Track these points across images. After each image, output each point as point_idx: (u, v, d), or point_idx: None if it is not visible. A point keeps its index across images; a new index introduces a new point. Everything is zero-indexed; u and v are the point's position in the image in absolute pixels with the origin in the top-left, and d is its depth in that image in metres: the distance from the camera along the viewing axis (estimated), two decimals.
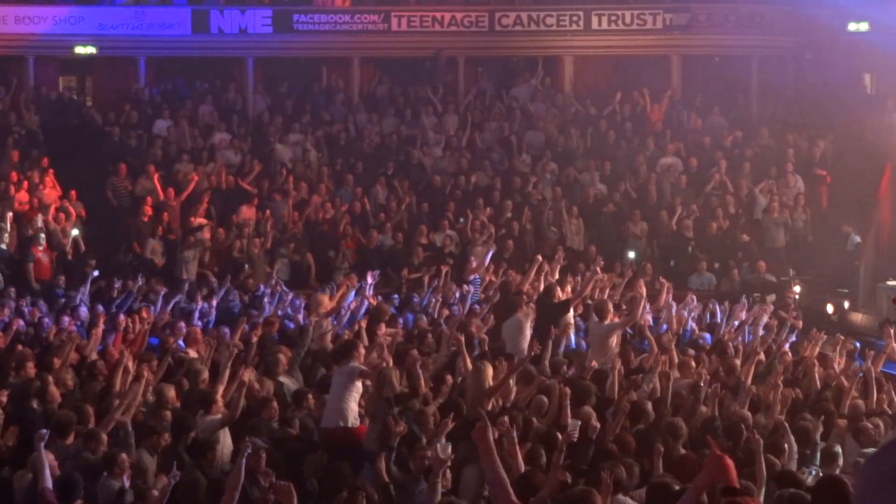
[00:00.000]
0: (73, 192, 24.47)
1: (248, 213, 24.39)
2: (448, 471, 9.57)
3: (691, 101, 29.51)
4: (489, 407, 11.94)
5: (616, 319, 15.95)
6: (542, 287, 17.72)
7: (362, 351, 13.23)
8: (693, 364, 14.43)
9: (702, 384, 13.04)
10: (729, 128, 28.50)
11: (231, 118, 28.51)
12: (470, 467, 10.60)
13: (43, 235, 22.24)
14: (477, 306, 18.11)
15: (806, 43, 27.24)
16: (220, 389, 12.29)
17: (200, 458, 10.70)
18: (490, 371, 12.71)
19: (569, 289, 18.63)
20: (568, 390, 12.01)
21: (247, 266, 22.33)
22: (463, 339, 14.16)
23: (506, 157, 27.61)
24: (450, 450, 9.05)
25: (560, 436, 10.15)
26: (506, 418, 10.62)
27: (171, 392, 12.30)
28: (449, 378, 13.40)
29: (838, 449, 11.46)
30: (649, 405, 12.23)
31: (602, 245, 23.75)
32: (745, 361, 14.52)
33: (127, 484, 9.80)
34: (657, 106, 28.90)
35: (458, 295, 19.46)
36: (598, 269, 18.85)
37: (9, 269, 21.66)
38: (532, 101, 29.64)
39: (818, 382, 14.45)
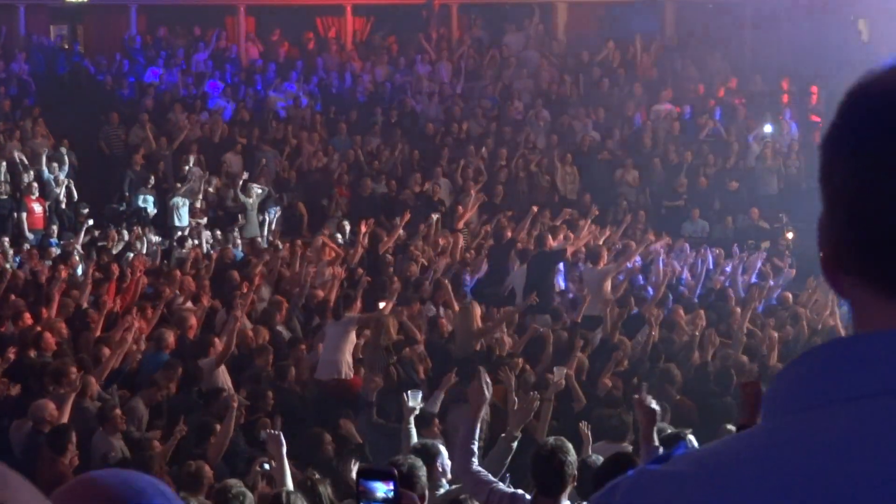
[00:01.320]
0: (65, 141, 24.41)
1: (235, 161, 24.36)
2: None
3: (685, 48, 29.44)
4: (477, 347, 12.05)
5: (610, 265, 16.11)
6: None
7: (359, 304, 13.33)
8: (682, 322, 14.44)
9: (697, 333, 13.16)
10: (722, 74, 28.48)
11: (223, 66, 28.43)
12: (455, 407, 10.72)
13: (36, 184, 22.21)
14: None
15: None
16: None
17: (210, 405, 10.74)
18: (478, 311, 12.82)
19: (561, 236, 18.70)
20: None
21: (240, 216, 22.30)
22: (450, 284, 14.26)
23: (499, 104, 27.58)
24: (420, 397, 9.14)
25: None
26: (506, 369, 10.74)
27: (170, 337, 12.40)
28: (444, 323, 13.49)
29: None
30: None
31: (595, 193, 23.77)
32: (742, 309, 14.64)
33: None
34: (647, 55, 28.83)
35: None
36: (590, 223, 19.01)
37: (1, 219, 21.67)
38: (525, 49, 29.57)
39: (807, 328, 14.57)
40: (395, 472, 2.64)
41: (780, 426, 1.45)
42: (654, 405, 6.81)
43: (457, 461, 7.10)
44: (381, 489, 2.53)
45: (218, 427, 9.65)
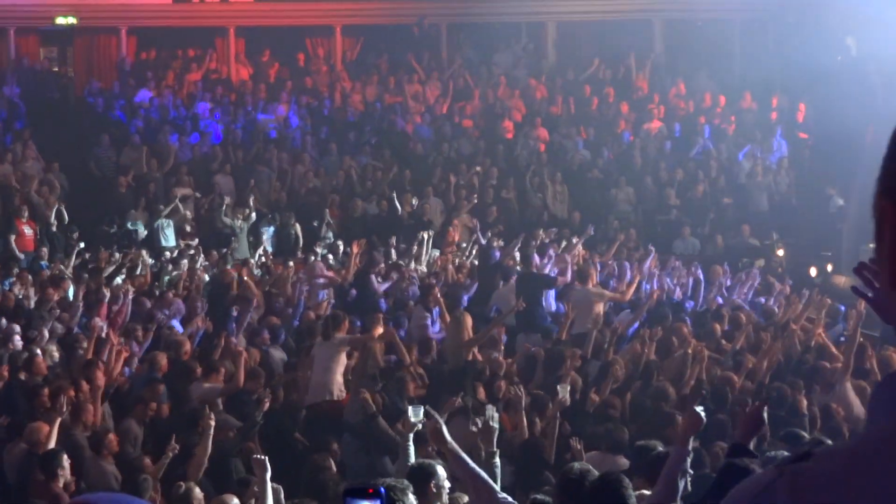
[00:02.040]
0: (56, 164, 24.39)
1: (226, 182, 24.33)
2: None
3: (674, 66, 29.51)
4: (469, 357, 12.03)
5: (597, 285, 16.18)
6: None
7: (347, 324, 13.28)
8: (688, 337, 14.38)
9: (689, 351, 13.14)
10: (712, 93, 28.55)
11: (214, 88, 28.44)
12: (454, 420, 10.67)
13: (26, 207, 22.18)
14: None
15: (787, 6, 27.21)
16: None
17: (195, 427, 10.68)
18: (469, 321, 12.80)
19: (547, 256, 18.73)
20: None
21: (232, 238, 22.23)
22: (440, 296, 14.28)
23: (490, 124, 27.61)
24: (421, 413, 9.09)
25: (551, 403, 10.28)
26: (502, 383, 10.75)
27: (163, 360, 12.36)
28: (435, 343, 13.46)
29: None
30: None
31: (586, 211, 23.78)
32: (736, 328, 14.66)
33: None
34: (641, 74, 28.93)
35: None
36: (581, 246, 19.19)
37: None
38: (515, 68, 29.64)
39: (799, 345, 14.56)
40: (383, 489, 2.61)
41: None
42: (703, 414, 6.66)
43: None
44: None
45: (197, 448, 9.64)
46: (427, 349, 13.25)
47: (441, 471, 7.59)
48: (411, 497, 6.36)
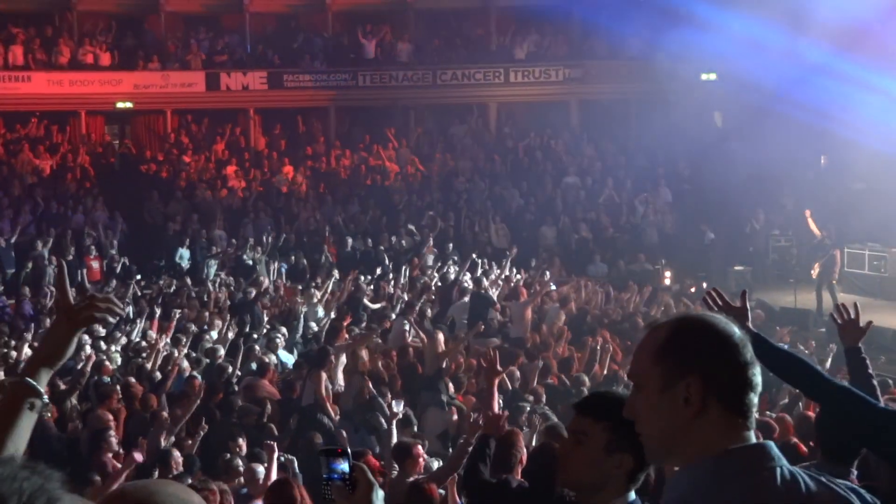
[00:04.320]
0: (117, 213, 24.30)
1: (249, 227, 24.33)
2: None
3: (587, 135, 29.71)
4: (443, 365, 11.99)
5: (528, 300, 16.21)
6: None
7: (344, 335, 13.22)
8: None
9: (598, 348, 13.10)
10: (615, 154, 28.74)
11: (239, 154, 28.40)
12: (431, 410, 10.63)
13: (94, 247, 22.09)
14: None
15: (669, 89, 27.48)
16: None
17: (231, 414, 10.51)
18: (441, 337, 12.76)
19: (493, 277, 18.78)
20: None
21: (258, 268, 22.04)
22: (414, 319, 14.25)
23: (447, 179, 27.67)
24: (402, 406, 9.05)
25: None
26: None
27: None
28: (411, 351, 13.38)
29: None
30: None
31: (520, 244, 23.84)
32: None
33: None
34: (561, 141, 29.09)
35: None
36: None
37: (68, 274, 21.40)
38: (466, 137, 29.75)
39: None
40: (349, 449, 2.59)
41: None
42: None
43: None
44: (339, 465, 2.48)
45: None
46: (405, 353, 13.21)
47: (419, 448, 7.61)
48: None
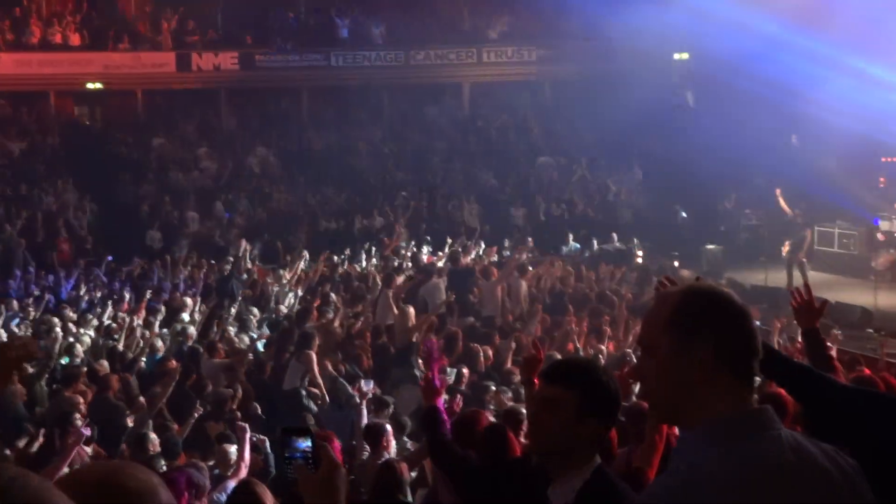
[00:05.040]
0: (87, 195, 24.06)
1: (220, 207, 24.18)
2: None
3: (559, 114, 29.65)
4: (413, 339, 11.95)
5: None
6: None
7: (315, 314, 13.16)
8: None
9: (572, 328, 13.10)
10: (587, 134, 28.70)
11: (210, 135, 28.17)
12: (404, 387, 10.59)
13: (64, 229, 21.86)
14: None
15: (641, 69, 27.46)
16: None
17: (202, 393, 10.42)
18: (412, 311, 12.73)
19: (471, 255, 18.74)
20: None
21: (231, 250, 21.95)
22: (391, 293, 14.20)
23: (420, 159, 27.58)
24: (371, 384, 9.00)
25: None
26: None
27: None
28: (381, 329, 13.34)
29: None
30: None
31: (494, 224, 23.83)
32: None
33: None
34: (534, 121, 29.03)
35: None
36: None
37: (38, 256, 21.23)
38: (439, 117, 29.64)
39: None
40: (312, 429, 2.55)
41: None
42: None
43: None
44: (301, 444, 2.43)
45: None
46: (379, 332, 13.17)
47: (389, 428, 7.59)
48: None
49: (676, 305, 2.17)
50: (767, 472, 2.03)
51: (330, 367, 10.89)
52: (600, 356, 11.29)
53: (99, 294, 16.59)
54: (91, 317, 14.56)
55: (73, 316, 14.50)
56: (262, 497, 5.17)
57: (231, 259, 19.40)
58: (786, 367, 3.67)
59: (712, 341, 2.12)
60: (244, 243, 20.75)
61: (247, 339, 13.22)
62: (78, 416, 8.58)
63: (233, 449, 7.61)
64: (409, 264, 18.84)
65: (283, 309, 15.44)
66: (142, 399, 9.62)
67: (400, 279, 16.31)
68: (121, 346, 12.22)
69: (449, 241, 20.46)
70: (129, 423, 8.64)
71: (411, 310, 12.79)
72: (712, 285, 2.26)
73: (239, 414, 9.56)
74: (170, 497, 1.80)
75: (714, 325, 2.13)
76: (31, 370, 10.77)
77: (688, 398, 2.13)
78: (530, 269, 17.77)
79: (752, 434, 2.08)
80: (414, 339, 11.96)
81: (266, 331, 14.23)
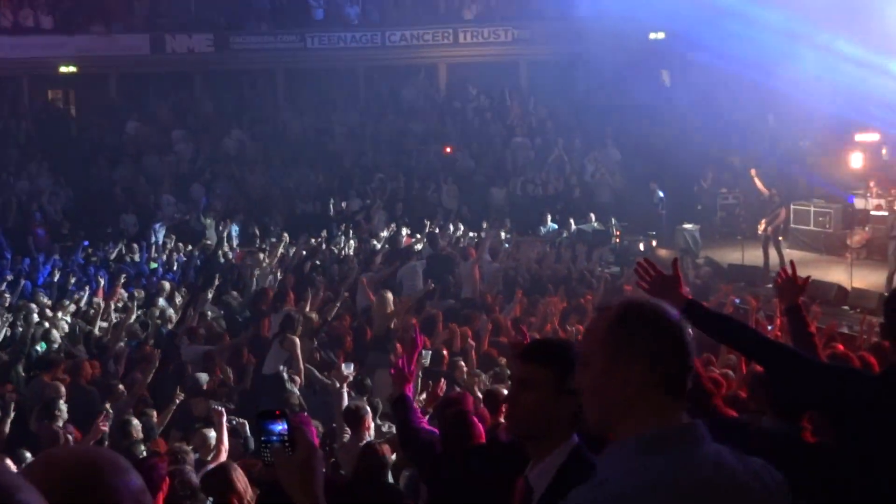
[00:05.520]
0: (62, 179, 23.87)
1: (198, 191, 24.01)
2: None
3: (536, 95, 29.63)
4: (392, 325, 11.91)
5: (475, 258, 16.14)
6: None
7: (292, 296, 13.11)
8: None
9: (549, 310, 13.10)
10: (563, 114, 28.70)
11: (185, 119, 27.97)
12: (379, 372, 10.58)
13: (39, 214, 21.68)
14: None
15: (617, 49, 27.45)
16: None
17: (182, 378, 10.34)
18: (390, 297, 12.70)
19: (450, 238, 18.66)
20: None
21: (206, 232, 21.89)
22: (365, 279, 14.15)
23: (396, 141, 27.50)
24: (352, 368, 8.98)
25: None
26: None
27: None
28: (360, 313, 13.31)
29: None
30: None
31: (471, 205, 23.81)
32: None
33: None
34: (511, 102, 28.98)
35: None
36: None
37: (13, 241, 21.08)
38: (416, 99, 29.55)
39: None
40: (286, 411, 2.55)
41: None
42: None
43: None
44: (277, 427, 2.41)
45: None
46: (356, 316, 13.14)
47: (369, 411, 7.59)
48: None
49: (613, 321, 2.23)
50: (682, 488, 2.07)
51: (301, 363, 10.82)
52: (579, 336, 11.25)
53: (75, 279, 16.46)
54: (68, 302, 14.47)
55: (49, 302, 14.41)
56: (233, 481, 5.15)
57: (209, 242, 19.32)
58: (767, 345, 3.76)
59: (645, 358, 2.17)
60: (222, 226, 20.69)
61: (224, 324, 13.17)
62: (63, 403, 8.52)
63: (212, 434, 7.57)
64: (387, 246, 18.81)
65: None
66: (121, 386, 9.56)
67: (378, 262, 16.33)
68: (97, 332, 12.14)
69: (427, 223, 20.40)
70: (108, 408, 8.57)
71: (389, 295, 12.75)
72: (650, 301, 2.29)
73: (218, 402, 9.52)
74: (140, 480, 1.79)
75: (648, 342, 2.18)
76: (5, 357, 10.71)
77: (620, 412, 2.19)
78: (506, 247, 17.81)
79: (674, 449, 2.12)
80: (392, 326, 11.92)
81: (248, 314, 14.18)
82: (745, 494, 2.13)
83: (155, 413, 8.98)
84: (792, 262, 4.56)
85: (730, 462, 2.16)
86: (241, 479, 5.20)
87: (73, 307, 14.31)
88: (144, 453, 7.49)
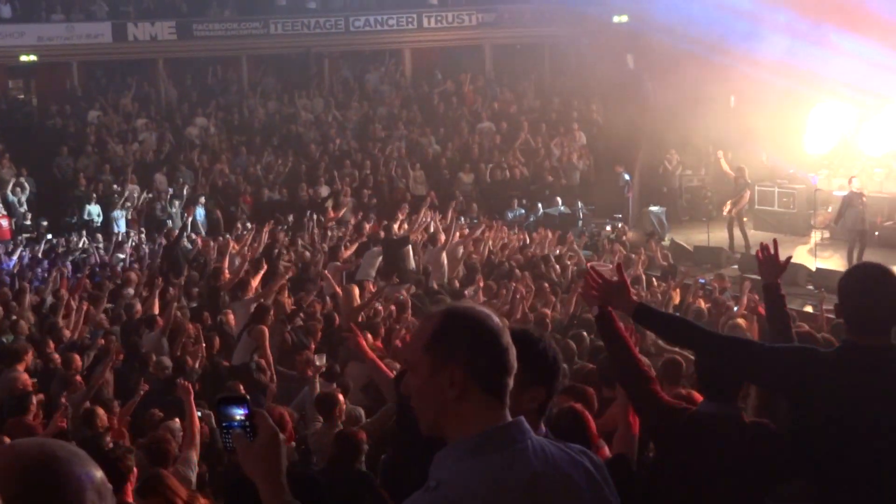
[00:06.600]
0: (24, 170, 23.59)
1: (162, 179, 23.82)
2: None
3: (501, 80, 29.61)
4: (360, 319, 11.83)
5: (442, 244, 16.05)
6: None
7: (254, 284, 12.97)
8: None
9: (517, 296, 12.95)
10: (529, 98, 28.71)
11: (149, 107, 27.71)
12: (352, 364, 10.53)
13: (2, 205, 21.42)
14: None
15: (581, 32, 27.47)
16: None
17: (146, 369, 10.21)
18: (356, 291, 12.62)
19: (406, 225, 18.38)
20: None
21: (168, 222, 21.72)
22: (330, 272, 14.04)
23: (363, 127, 27.39)
24: (325, 358, 8.95)
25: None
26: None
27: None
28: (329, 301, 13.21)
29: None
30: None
31: (438, 190, 23.76)
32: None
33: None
34: (472, 88, 28.90)
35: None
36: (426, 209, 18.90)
37: None
38: (381, 84, 29.45)
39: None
40: (247, 395, 2.52)
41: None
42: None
43: None
44: (237, 412, 2.39)
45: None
46: (325, 303, 13.05)
47: (341, 398, 7.58)
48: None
49: (435, 328, 2.30)
50: (512, 484, 2.17)
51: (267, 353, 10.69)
52: (546, 321, 11.27)
53: (39, 270, 16.28)
54: (32, 293, 14.30)
55: (10, 294, 14.22)
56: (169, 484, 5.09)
57: (175, 231, 19.13)
58: (716, 339, 3.93)
59: (465, 361, 2.25)
60: (187, 214, 20.53)
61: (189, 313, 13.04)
62: (34, 397, 8.41)
63: (177, 424, 7.48)
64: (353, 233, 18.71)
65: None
66: (78, 378, 9.43)
67: (347, 253, 16.20)
68: (61, 323, 12.00)
69: (400, 216, 20.19)
70: (63, 401, 8.47)
71: (356, 289, 12.69)
72: (472, 307, 2.37)
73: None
74: (100, 472, 1.79)
75: (467, 346, 2.26)
76: None
77: (446, 415, 2.27)
78: (478, 233, 17.77)
79: (502, 447, 2.22)
80: (360, 319, 11.86)
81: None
82: (569, 483, 2.26)
83: (117, 406, 8.86)
84: (775, 241, 4.60)
85: (553, 453, 2.28)
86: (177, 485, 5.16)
87: (37, 299, 14.17)
88: (110, 445, 7.40)
